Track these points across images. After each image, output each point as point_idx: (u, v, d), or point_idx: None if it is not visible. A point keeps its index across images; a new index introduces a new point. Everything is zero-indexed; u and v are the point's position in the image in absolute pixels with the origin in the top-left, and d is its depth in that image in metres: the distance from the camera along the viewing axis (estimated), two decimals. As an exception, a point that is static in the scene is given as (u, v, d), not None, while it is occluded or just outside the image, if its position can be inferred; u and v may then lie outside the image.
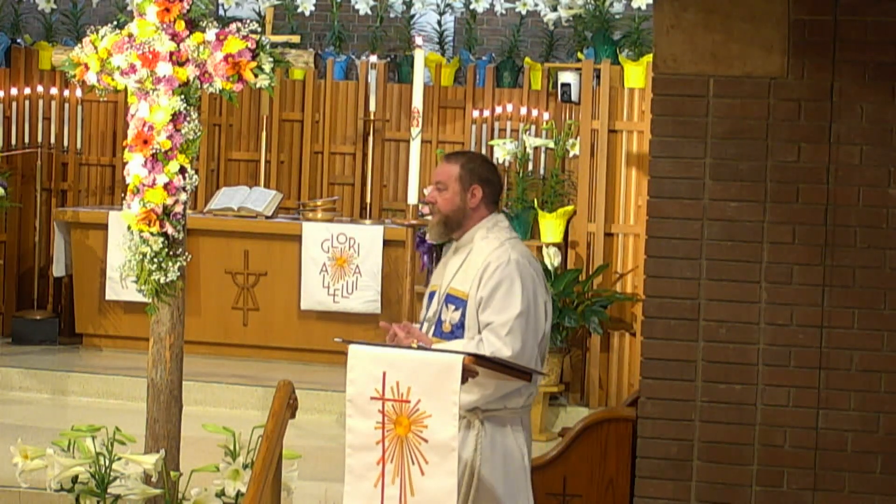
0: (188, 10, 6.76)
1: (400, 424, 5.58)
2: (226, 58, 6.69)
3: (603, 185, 10.11)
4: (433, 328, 5.92)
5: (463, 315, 5.82)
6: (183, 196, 6.82)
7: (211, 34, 6.74)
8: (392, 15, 12.49)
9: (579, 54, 11.03)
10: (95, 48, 6.89)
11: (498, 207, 6.03)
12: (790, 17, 6.67)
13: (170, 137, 6.75)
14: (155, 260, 6.79)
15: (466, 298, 5.81)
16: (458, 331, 5.82)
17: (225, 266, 11.14)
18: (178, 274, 6.85)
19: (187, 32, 6.76)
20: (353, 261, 10.91)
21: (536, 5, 11.93)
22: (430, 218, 10.56)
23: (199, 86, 6.78)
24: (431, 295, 6.04)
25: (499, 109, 11.64)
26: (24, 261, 11.75)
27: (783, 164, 6.70)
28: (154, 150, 6.76)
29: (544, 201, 10.43)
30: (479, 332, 5.77)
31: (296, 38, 10.57)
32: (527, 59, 11.88)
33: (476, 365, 5.58)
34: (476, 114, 11.64)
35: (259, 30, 6.85)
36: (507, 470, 5.84)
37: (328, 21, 12.68)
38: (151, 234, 6.78)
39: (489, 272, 5.78)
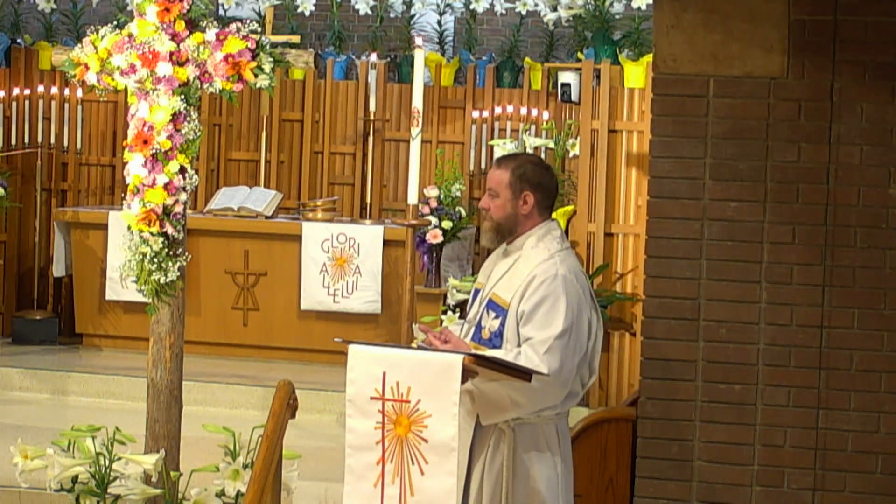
0: (188, 10, 6.76)
1: (400, 424, 5.58)
2: (226, 58, 6.69)
3: (603, 185, 10.10)
4: (472, 331, 5.88)
5: (502, 325, 5.73)
6: (183, 196, 6.81)
7: (211, 34, 6.74)
8: (392, 15, 12.50)
9: (579, 54, 11.03)
10: (95, 48, 6.89)
11: (550, 214, 5.90)
12: (790, 17, 6.67)
13: (170, 137, 6.75)
14: (155, 260, 6.79)
15: (507, 308, 5.73)
16: (496, 339, 5.74)
17: (225, 266, 11.14)
18: (178, 274, 6.85)
19: (187, 32, 6.76)
20: (353, 261, 10.91)
21: (536, 5, 11.94)
22: (429, 218, 10.64)
23: (199, 86, 6.78)
24: (476, 293, 5.98)
25: (499, 109, 11.64)
26: (24, 261, 11.75)
27: (783, 164, 6.70)
28: (154, 150, 6.76)
29: (544, 201, 10.41)
30: (519, 346, 5.68)
31: (296, 38, 10.57)
32: (527, 59, 11.89)
33: (476, 365, 5.58)
34: (476, 114, 11.65)
35: (259, 30, 6.85)
36: (538, 479, 5.77)
37: (328, 21, 12.68)
38: (151, 234, 6.78)
39: (534, 286, 5.67)
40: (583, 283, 5.77)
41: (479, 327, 5.83)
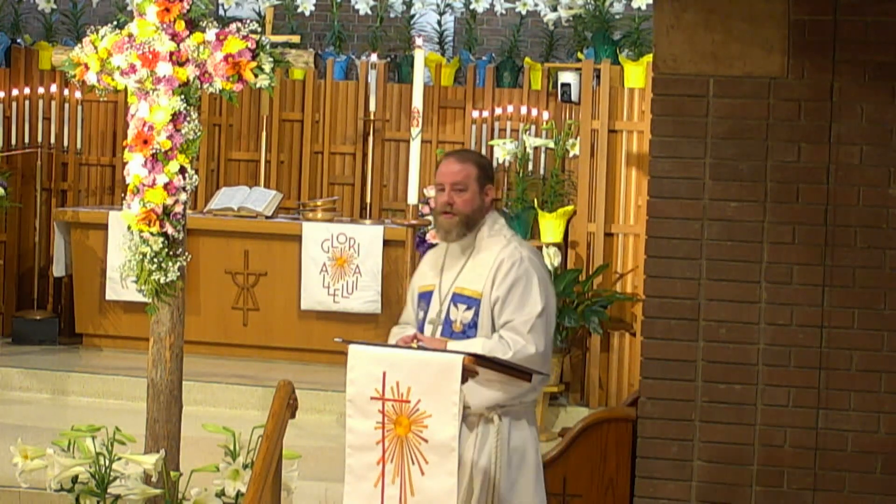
0: (188, 10, 6.76)
1: (400, 424, 5.58)
2: (226, 58, 6.69)
3: (603, 185, 10.11)
4: (440, 329, 5.91)
5: (476, 314, 5.83)
6: (183, 196, 6.82)
7: (211, 34, 6.75)
8: (392, 15, 12.49)
9: (579, 54, 11.03)
10: (95, 48, 6.90)
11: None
12: (790, 17, 6.67)
13: (170, 137, 6.75)
14: (155, 260, 6.80)
15: (479, 297, 5.83)
16: (469, 330, 5.83)
17: (225, 266, 11.14)
18: (178, 274, 6.85)
19: (187, 32, 6.76)
20: (353, 261, 10.91)
21: (536, 5, 11.93)
22: (429, 218, 10.62)
23: (199, 86, 6.79)
24: (425, 295, 6.03)
25: (499, 110, 11.64)
26: (24, 261, 11.75)
27: (783, 164, 6.70)
28: (154, 150, 6.77)
29: (544, 201, 10.43)
30: (494, 331, 5.81)
31: (296, 38, 10.56)
32: (527, 59, 11.88)
33: (476, 365, 5.59)
34: (476, 114, 11.64)
35: (259, 30, 6.85)
36: (525, 463, 5.90)
37: (328, 21, 12.68)
38: (151, 234, 6.78)
39: (503, 271, 5.82)
40: (543, 264, 6.00)
41: (447, 322, 5.89)
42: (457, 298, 5.89)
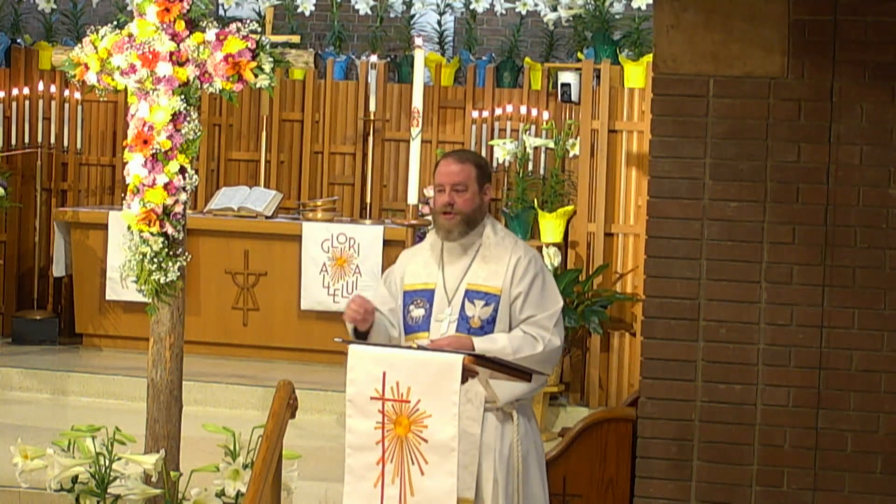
0: (188, 10, 6.76)
1: (400, 424, 5.59)
2: (226, 58, 6.70)
3: (603, 185, 10.11)
4: (455, 325, 5.94)
5: (495, 310, 5.93)
6: (183, 196, 6.82)
7: (211, 34, 6.75)
8: (392, 15, 12.49)
9: (579, 54, 11.03)
10: (95, 48, 6.90)
11: None
12: (790, 17, 6.67)
13: (170, 137, 6.76)
14: (155, 260, 6.80)
15: (499, 294, 5.93)
16: (487, 325, 5.92)
17: (225, 266, 11.14)
18: (178, 274, 6.85)
19: (187, 32, 6.77)
20: (353, 261, 10.91)
21: (536, 5, 11.93)
22: (429, 218, 10.62)
23: (199, 86, 6.79)
24: (423, 294, 6.03)
25: (499, 110, 11.64)
26: (24, 261, 11.75)
27: (783, 164, 6.70)
28: (154, 150, 6.77)
29: (544, 201, 10.43)
30: (512, 327, 5.93)
31: (296, 38, 10.56)
32: (527, 59, 11.88)
33: (476, 365, 5.59)
34: (476, 114, 11.64)
35: (259, 30, 6.85)
36: (536, 455, 6.04)
37: (328, 21, 12.68)
38: (151, 234, 6.78)
39: (522, 267, 5.96)
40: None
41: (464, 319, 5.91)
42: (472, 295, 5.95)
